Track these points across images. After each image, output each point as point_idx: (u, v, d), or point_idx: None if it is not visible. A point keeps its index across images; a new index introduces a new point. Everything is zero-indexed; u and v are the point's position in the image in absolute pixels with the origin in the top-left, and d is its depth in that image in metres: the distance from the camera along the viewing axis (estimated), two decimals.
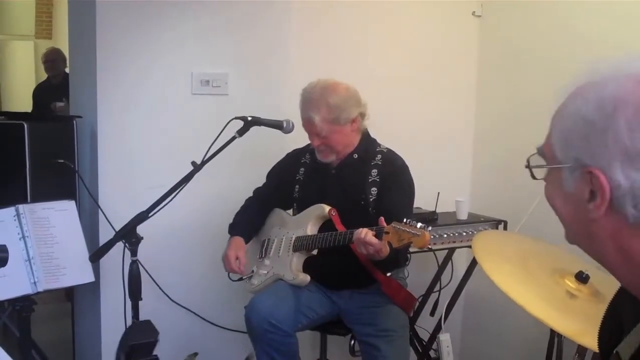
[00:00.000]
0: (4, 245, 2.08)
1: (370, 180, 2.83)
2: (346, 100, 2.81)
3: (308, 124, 2.83)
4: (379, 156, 2.88)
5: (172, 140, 3.26)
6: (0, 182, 3.08)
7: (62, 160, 3.08)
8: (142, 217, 2.58)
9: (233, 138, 2.69)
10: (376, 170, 2.84)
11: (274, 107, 3.16)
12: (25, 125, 3.02)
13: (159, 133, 3.25)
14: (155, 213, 2.58)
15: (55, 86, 6.57)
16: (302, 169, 3.02)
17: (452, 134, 3.99)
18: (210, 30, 3.29)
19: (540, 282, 2.19)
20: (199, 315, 3.36)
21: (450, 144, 3.99)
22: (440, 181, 3.59)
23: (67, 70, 6.72)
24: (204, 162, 2.65)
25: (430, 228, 2.39)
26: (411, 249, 2.83)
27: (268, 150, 3.18)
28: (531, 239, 2.73)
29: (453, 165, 4.00)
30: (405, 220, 2.41)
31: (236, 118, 2.73)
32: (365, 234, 2.50)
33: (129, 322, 2.65)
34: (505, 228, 3.43)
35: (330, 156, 2.88)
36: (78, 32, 3.52)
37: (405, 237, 2.39)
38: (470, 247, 3.30)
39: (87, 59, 3.26)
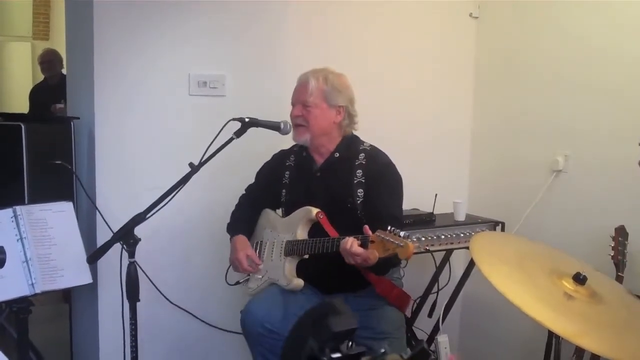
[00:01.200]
0: (1, 247, 2.09)
1: (355, 181, 2.82)
2: (345, 88, 2.89)
3: (300, 89, 2.86)
4: (362, 155, 2.87)
5: (170, 141, 3.26)
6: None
7: (59, 162, 3.07)
8: (140, 218, 2.56)
9: (231, 139, 2.68)
10: (361, 171, 2.83)
11: (271, 108, 3.15)
12: (23, 127, 3.02)
13: (157, 134, 3.25)
14: (153, 214, 2.58)
15: (52, 87, 6.57)
16: (287, 172, 3.02)
17: (450, 135, 3.99)
18: (208, 32, 3.29)
19: (537, 284, 2.19)
20: (196, 317, 3.36)
21: (448, 145, 3.99)
22: (438, 182, 3.59)
23: (63, 71, 6.72)
24: (201, 164, 2.64)
25: (414, 238, 2.38)
26: None
27: (266, 151, 3.15)
28: (529, 240, 2.73)
29: (451, 166, 4.00)
30: (389, 228, 2.40)
31: (234, 119, 2.72)
32: (350, 244, 2.50)
33: (127, 323, 2.63)
34: (503, 229, 3.44)
35: (304, 135, 2.87)
36: (75, 34, 3.52)
37: (390, 248, 2.39)
38: (468, 248, 3.31)
39: (84, 60, 3.25)
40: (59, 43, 8.38)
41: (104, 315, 3.20)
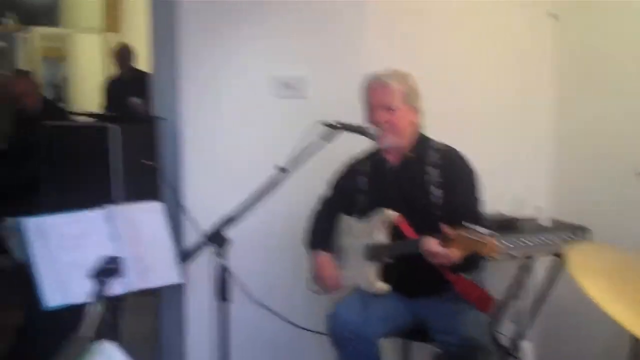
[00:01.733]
0: (116, 257, 2.15)
1: (431, 180, 2.83)
2: (418, 87, 2.90)
3: (382, 93, 2.83)
4: (436, 154, 2.88)
5: (255, 142, 3.32)
6: (87, 184, 3.16)
7: (147, 162, 3.14)
8: (230, 219, 2.62)
9: (320, 144, 2.69)
10: (436, 170, 2.84)
11: (353, 110, 3.14)
12: (112, 127, 3.09)
13: (241, 135, 3.31)
14: (242, 216, 2.61)
15: (126, 81, 6.72)
16: (362, 177, 3.02)
17: (532, 137, 3.90)
18: (292, 32, 3.34)
19: (636, 298, 2.15)
20: (283, 318, 3.36)
21: (530, 147, 3.91)
22: (520, 186, 3.54)
23: (136, 65, 6.86)
24: (291, 168, 2.67)
25: (497, 235, 2.37)
26: None
27: (349, 153, 3.15)
28: (623, 250, 2.66)
29: (533, 169, 3.92)
30: (471, 225, 2.40)
31: (323, 124, 2.73)
32: (431, 244, 2.52)
33: (214, 322, 2.67)
34: (589, 236, 3.36)
35: (389, 139, 2.86)
36: (159, 33, 3.57)
37: (472, 245, 2.39)
38: (552, 254, 3.29)
39: (169, 60, 3.32)
40: (130, 35, 8.51)
41: (191, 312, 3.29)
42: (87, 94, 9.30)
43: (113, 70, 7.49)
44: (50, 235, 2.57)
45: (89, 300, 2.11)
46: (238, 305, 3.15)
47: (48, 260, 2.51)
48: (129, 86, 6.44)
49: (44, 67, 9.95)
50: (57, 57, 10.25)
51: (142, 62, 7.12)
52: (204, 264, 2.73)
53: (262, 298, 3.30)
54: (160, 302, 3.70)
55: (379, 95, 2.85)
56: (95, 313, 2.06)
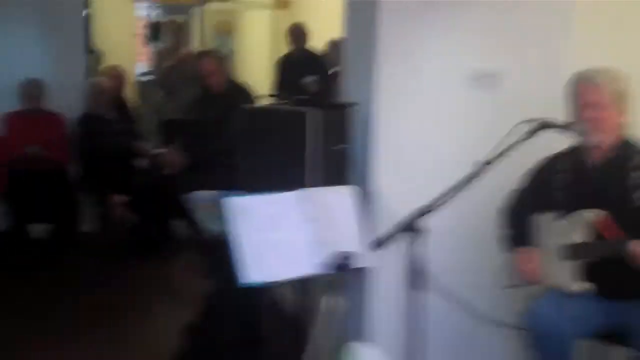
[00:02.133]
0: (348, 253, 2.23)
1: (634, 183, 2.74)
2: (628, 89, 2.81)
3: (592, 92, 2.78)
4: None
5: (447, 135, 3.31)
6: (282, 167, 3.27)
7: (340, 146, 3.22)
8: (425, 210, 2.64)
9: (520, 141, 2.65)
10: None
11: (550, 105, 3.03)
12: (307, 114, 3.18)
13: (433, 126, 3.31)
14: (438, 208, 2.63)
15: (298, 60, 6.90)
16: (560, 174, 2.97)
17: None
18: (492, 25, 3.28)
19: None
20: (473, 310, 3.25)
21: None
22: None
23: (307, 45, 7.02)
24: (489, 163, 2.65)
25: None
26: None
27: (544, 148, 3.03)
28: None
29: None
30: None
31: (525, 121, 2.69)
32: (636, 248, 2.47)
33: (401, 310, 2.71)
34: None
35: (596, 135, 2.79)
36: (356, 19, 3.60)
37: None
38: None
39: (365, 47, 3.35)
40: (299, 13, 8.70)
41: (378, 299, 3.35)
42: (253, 68, 9.60)
43: (280, 47, 7.69)
44: (250, 214, 2.69)
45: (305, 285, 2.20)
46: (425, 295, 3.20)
47: (248, 238, 2.62)
48: (300, 65, 6.60)
49: (215, 40, 10.36)
50: (227, 31, 10.64)
51: (313, 41, 7.30)
52: (392, 252, 2.77)
53: (451, 289, 3.30)
54: (347, 286, 3.79)
55: (589, 93, 2.80)
56: (330, 308, 2.16)
